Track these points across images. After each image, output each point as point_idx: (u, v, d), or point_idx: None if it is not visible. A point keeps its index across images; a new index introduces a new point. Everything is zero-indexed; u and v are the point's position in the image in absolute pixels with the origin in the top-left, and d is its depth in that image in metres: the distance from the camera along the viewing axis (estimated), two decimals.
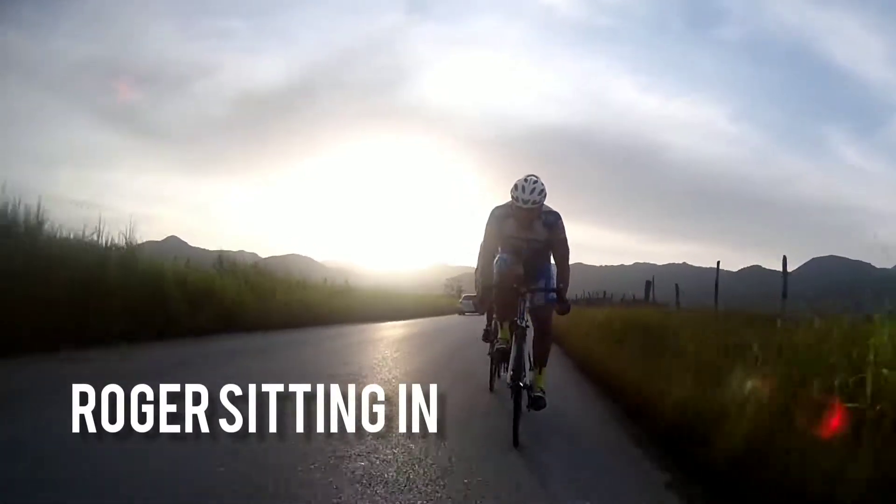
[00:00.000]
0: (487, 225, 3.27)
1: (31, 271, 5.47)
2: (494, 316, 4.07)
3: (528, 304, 3.19)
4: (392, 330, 12.07)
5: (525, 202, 2.97)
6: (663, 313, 8.32)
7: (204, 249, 13.84)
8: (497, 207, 3.24)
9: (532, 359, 3.30)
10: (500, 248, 3.40)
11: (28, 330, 4.95)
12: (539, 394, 3.24)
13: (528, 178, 3.02)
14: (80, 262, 6.29)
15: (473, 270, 4.22)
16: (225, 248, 13.89)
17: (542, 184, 3.02)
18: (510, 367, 3.09)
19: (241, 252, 15.71)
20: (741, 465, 2.13)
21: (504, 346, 3.35)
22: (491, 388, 4.31)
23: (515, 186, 3.01)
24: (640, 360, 4.43)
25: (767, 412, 2.36)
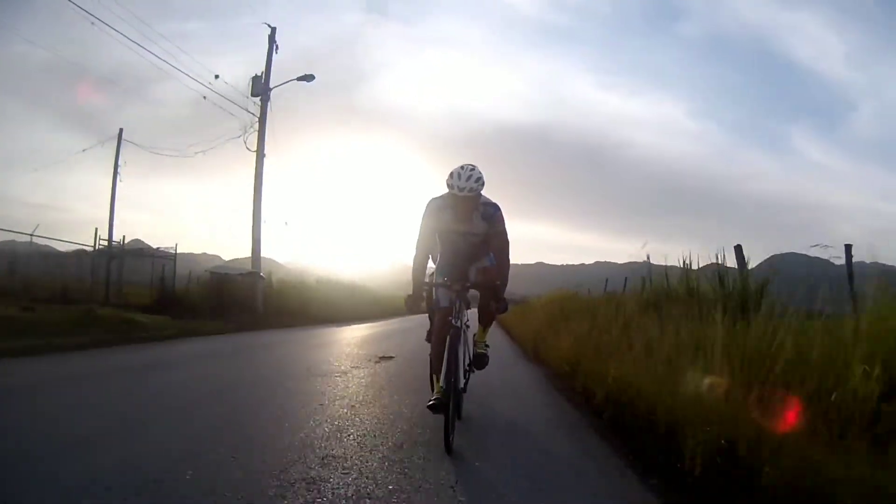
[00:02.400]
0: (423, 217, 3.07)
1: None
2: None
3: (463, 304, 3.08)
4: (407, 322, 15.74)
5: (461, 189, 2.82)
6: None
7: (167, 252, 15.40)
8: (433, 199, 3.05)
9: (479, 318, 3.27)
10: (438, 256, 3.27)
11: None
12: (482, 350, 3.18)
13: (465, 166, 2.87)
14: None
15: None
16: (188, 251, 16.02)
17: (480, 172, 2.87)
18: (443, 370, 2.86)
19: (205, 254, 16.75)
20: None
21: (440, 398, 2.79)
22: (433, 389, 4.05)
23: (451, 174, 2.85)
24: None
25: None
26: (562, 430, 3.35)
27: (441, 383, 2.85)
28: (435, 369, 3.00)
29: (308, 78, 14.53)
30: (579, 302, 9.82)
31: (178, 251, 14.18)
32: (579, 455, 2.80)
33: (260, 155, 13.91)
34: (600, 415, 3.50)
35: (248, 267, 14.00)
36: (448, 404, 2.72)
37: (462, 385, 3.03)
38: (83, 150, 15.69)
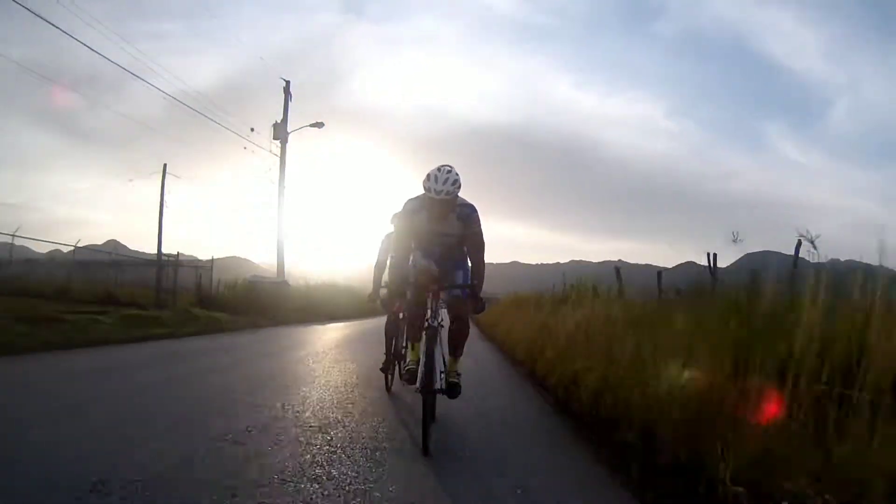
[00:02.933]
0: (400, 219, 3.22)
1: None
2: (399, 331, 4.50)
3: (441, 302, 3.14)
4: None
5: (438, 193, 2.86)
6: None
7: (143, 253, 18.94)
8: (409, 200, 3.11)
9: (448, 345, 3.25)
10: (413, 246, 3.28)
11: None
12: (454, 379, 3.19)
13: (442, 168, 2.90)
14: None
15: (374, 265, 4.51)
16: (164, 252, 16.88)
17: (457, 174, 2.90)
18: (420, 370, 2.95)
19: (180, 254, 17.29)
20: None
21: (414, 367, 3.10)
22: (388, 390, 4.41)
23: (428, 177, 2.88)
24: None
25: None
26: (496, 358, 7.56)
27: (417, 385, 2.93)
28: (412, 339, 3.24)
29: (319, 125, 18.37)
30: (524, 299, 14.06)
31: (146, 251, 17.03)
32: (495, 356, 7.03)
33: (281, 187, 17.80)
34: (511, 354, 7.64)
35: (222, 266, 17.35)
36: (418, 374, 2.89)
37: (439, 386, 2.96)
38: (130, 181, 18.88)
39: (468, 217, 3.08)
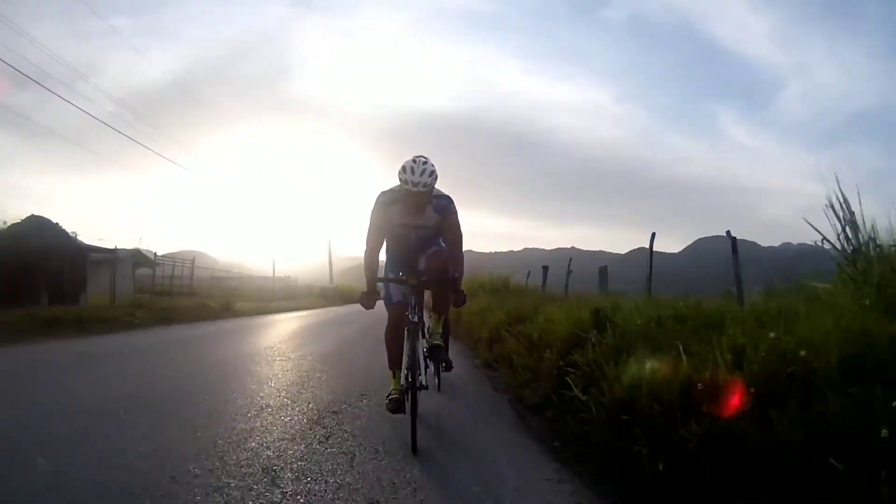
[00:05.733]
0: (372, 212, 3.04)
1: None
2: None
3: (419, 299, 3.03)
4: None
5: (415, 185, 2.79)
6: None
7: (102, 248, 18.74)
8: (383, 193, 3.03)
9: (433, 304, 3.24)
10: (386, 246, 3.24)
11: None
12: (438, 342, 3.12)
13: (417, 160, 2.83)
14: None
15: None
16: (121, 247, 16.73)
17: (433, 165, 2.84)
18: (404, 366, 2.91)
19: (138, 250, 18.01)
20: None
21: (397, 396, 2.91)
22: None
23: (404, 168, 2.81)
24: None
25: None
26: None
27: (401, 381, 2.91)
28: (392, 365, 3.04)
29: None
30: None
31: (117, 246, 18.15)
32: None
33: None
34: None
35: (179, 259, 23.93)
36: (404, 402, 2.82)
37: (422, 382, 2.88)
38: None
39: (445, 209, 3.02)
